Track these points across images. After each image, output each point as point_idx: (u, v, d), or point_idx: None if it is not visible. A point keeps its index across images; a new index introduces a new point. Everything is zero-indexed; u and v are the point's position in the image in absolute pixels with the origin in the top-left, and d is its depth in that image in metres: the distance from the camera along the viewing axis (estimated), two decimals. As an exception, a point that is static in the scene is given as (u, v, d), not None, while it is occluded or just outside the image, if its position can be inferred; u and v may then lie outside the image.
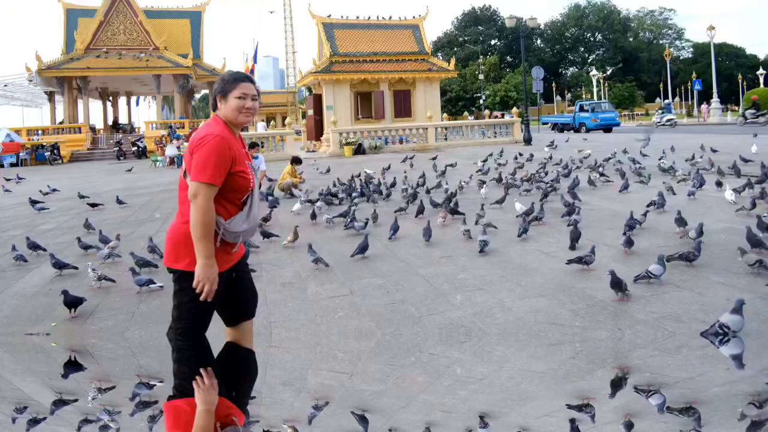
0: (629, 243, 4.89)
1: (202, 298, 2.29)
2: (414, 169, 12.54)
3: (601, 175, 9.54)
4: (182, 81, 32.28)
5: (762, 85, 50.97)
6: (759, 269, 4.10)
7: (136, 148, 25.97)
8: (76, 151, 28.15)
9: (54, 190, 12.26)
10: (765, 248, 4.55)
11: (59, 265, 5.30)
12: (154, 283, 4.63)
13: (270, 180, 11.03)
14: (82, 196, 10.64)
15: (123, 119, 42.84)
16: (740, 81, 60.86)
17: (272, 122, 32.85)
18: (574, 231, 5.28)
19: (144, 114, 49.83)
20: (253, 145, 10.16)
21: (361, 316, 3.92)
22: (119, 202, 9.71)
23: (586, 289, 4.10)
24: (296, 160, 10.13)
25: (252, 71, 31.52)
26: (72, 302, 4.19)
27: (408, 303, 4.10)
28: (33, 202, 9.72)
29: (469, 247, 5.56)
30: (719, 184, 7.62)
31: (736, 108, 61.55)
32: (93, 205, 9.57)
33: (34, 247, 6.10)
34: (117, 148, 26.10)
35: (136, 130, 39.21)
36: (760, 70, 56.24)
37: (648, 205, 6.46)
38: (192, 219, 2.28)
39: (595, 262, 4.49)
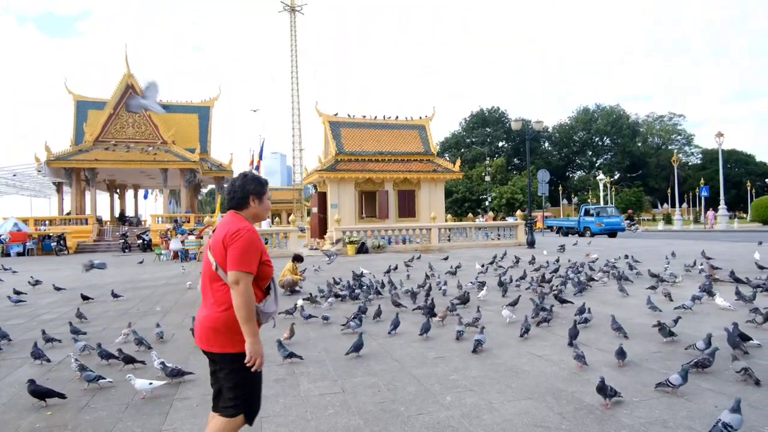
0: (621, 355, 4.74)
1: (254, 370, 2.59)
2: (415, 269, 12.68)
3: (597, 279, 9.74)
4: (189, 175, 33.14)
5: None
6: (744, 376, 4.14)
7: (141, 241, 26.35)
8: (82, 242, 28.59)
9: (37, 282, 12.39)
10: (741, 350, 4.75)
11: (36, 355, 5.46)
12: (104, 379, 4.66)
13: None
14: (57, 288, 10.95)
15: (130, 212, 43.78)
16: (749, 188, 62.10)
17: (276, 219, 33.40)
18: (573, 329, 5.51)
19: (151, 207, 51.03)
20: (298, 258, 10.51)
21: (350, 414, 3.93)
22: (114, 295, 9.83)
23: (575, 393, 4.12)
24: (297, 258, 10.34)
25: (258, 168, 32.58)
26: (37, 393, 4.19)
27: (398, 402, 4.11)
28: (16, 293, 10.06)
29: (463, 347, 5.65)
30: (710, 293, 7.70)
31: (744, 215, 62.42)
32: (85, 298, 9.63)
33: (49, 340, 6.22)
34: (122, 241, 26.48)
35: (143, 222, 40.04)
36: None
37: (676, 308, 6.81)
38: (237, 303, 2.53)
39: (588, 365, 4.57)
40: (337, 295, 8.76)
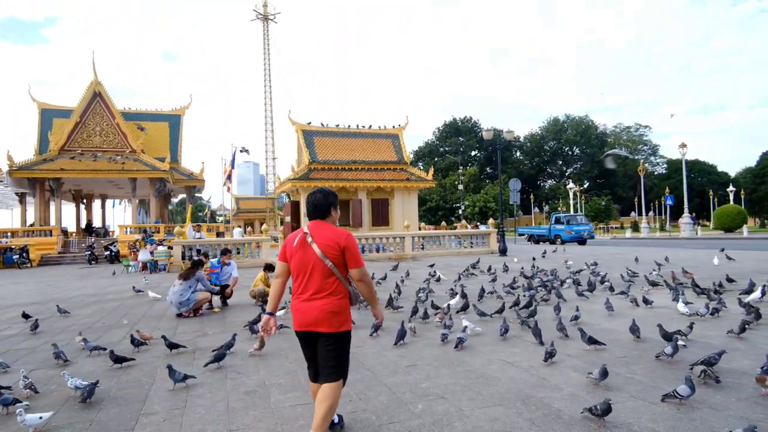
0: (604, 375, 4.29)
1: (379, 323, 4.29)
2: (388, 281, 12.65)
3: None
4: (159, 185, 32.28)
5: (732, 202, 53.79)
6: (705, 379, 4.27)
7: (108, 252, 25.61)
8: (46, 254, 27.56)
9: None
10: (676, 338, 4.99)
11: None
12: (20, 402, 4.31)
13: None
14: (26, 316, 8.97)
15: (97, 222, 42.60)
16: (711, 197, 64.11)
17: (249, 228, 32.99)
18: (535, 328, 5.95)
19: (120, 217, 49.80)
20: (225, 252, 10.26)
21: (321, 426, 3.89)
22: (60, 311, 9.23)
23: (544, 399, 4.17)
24: (269, 267, 10.21)
25: (229, 176, 32.12)
26: None
27: (369, 411, 4.10)
28: None
29: (435, 355, 5.67)
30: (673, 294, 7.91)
31: (708, 223, 64.50)
32: (26, 317, 8.69)
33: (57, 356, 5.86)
34: (89, 252, 25.66)
35: (111, 233, 38.95)
36: (730, 187, 59.71)
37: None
38: (365, 290, 3.50)
39: (557, 375, 4.62)
40: None
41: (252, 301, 9.96)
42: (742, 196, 64.16)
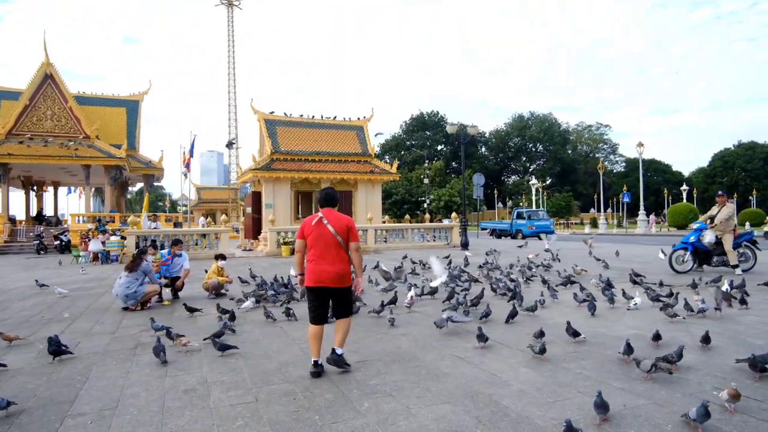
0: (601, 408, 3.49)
1: (357, 293, 5.25)
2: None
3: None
4: (114, 172, 31.09)
5: (685, 200, 55.69)
6: (657, 372, 4.29)
7: (58, 242, 24.57)
8: (-10, 243, 26.40)
9: None
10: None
11: None
12: None
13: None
14: None
15: (50, 211, 40.94)
16: (666, 195, 66.24)
17: (208, 218, 32.14)
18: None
19: (75, 206, 47.83)
20: (177, 242, 9.87)
21: (260, 425, 3.70)
22: None
23: (493, 395, 4.08)
24: (220, 257, 9.90)
25: (188, 164, 31.25)
26: None
27: (313, 410, 3.93)
28: None
29: (388, 350, 5.55)
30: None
31: (662, 221, 66.72)
32: None
33: None
34: (37, 242, 24.58)
35: (63, 222, 37.43)
36: (684, 186, 61.86)
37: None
38: (357, 258, 4.92)
39: (508, 371, 4.55)
40: (258, 300, 8.36)
41: (205, 294, 9.64)
42: (695, 195, 66.53)
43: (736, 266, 10.76)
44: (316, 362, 4.79)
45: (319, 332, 4.82)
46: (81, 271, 14.57)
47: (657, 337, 5.27)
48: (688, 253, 11.21)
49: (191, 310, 7.53)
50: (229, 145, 33.60)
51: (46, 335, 6.52)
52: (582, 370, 4.66)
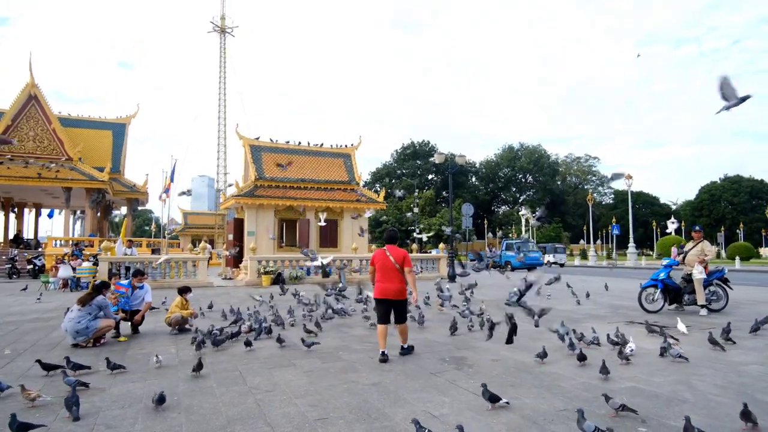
0: None
1: (414, 303, 7.14)
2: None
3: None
4: (96, 195, 30.38)
5: (673, 234, 55.63)
6: (625, 412, 4.13)
7: (32, 266, 23.63)
8: (-40, 266, 25.39)
9: None
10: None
11: None
12: None
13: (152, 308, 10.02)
14: None
15: (31, 233, 39.95)
16: (654, 227, 66.27)
17: (189, 246, 31.30)
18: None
19: (58, 229, 46.67)
20: (138, 273, 9.19)
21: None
22: None
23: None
24: (185, 290, 9.21)
25: (167, 189, 30.61)
26: None
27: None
28: None
29: (353, 405, 4.88)
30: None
31: (651, 252, 66.62)
32: None
33: None
34: (9, 266, 23.69)
35: (44, 246, 36.52)
36: (671, 219, 61.95)
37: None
38: (411, 278, 6.61)
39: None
40: (216, 342, 7.45)
41: (167, 330, 8.92)
42: (683, 227, 66.65)
43: (703, 306, 10.25)
44: (383, 352, 6.54)
45: (384, 330, 6.62)
46: (37, 300, 13.75)
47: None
48: (658, 290, 10.67)
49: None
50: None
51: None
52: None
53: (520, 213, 67.84)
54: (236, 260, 23.42)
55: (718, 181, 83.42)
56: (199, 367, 5.94)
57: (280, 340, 7.60)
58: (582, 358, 6.17)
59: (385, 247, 6.79)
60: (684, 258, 10.66)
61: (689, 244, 10.81)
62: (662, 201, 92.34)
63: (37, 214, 41.86)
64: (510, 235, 65.78)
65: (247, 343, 7.40)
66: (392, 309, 6.67)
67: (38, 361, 6.03)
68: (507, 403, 4.66)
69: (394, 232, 6.93)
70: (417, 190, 74.52)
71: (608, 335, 7.39)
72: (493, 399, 4.59)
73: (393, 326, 6.84)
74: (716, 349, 6.91)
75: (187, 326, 9.05)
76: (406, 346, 6.86)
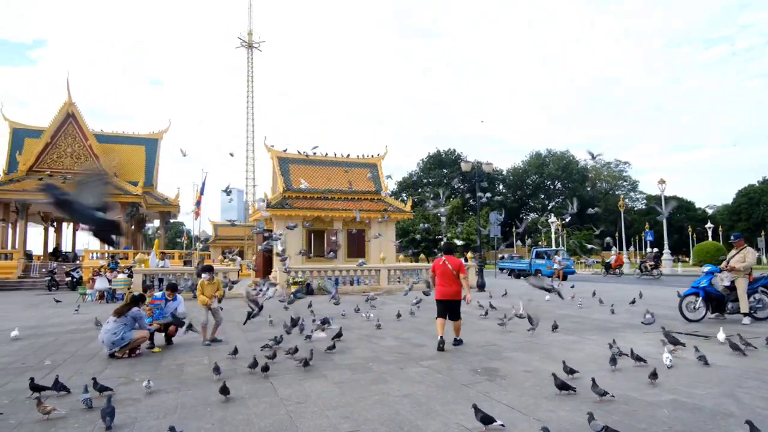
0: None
1: (467, 302, 8.17)
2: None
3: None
4: (131, 209, 31.29)
5: (711, 239, 53.97)
6: None
7: (70, 278, 24.35)
8: (4, 279, 26.34)
9: None
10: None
11: None
12: None
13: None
14: None
15: (68, 247, 41.18)
16: (690, 233, 64.38)
17: (220, 257, 31.68)
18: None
19: (95, 242, 47.96)
20: (171, 288, 9.29)
21: None
22: None
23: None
24: (207, 269, 9.16)
25: (198, 203, 31.22)
26: None
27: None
28: None
29: (384, 417, 4.84)
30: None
31: (687, 259, 64.74)
32: None
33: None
34: (49, 278, 24.46)
35: (81, 258, 37.62)
36: (708, 224, 60.12)
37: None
38: (465, 282, 8.13)
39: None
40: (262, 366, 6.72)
41: (200, 340, 9.01)
42: (720, 233, 64.59)
43: (746, 314, 9.89)
44: (441, 338, 7.82)
45: (442, 322, 7.96)
46: (75, 311, 14.12)
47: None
48: (700, 299, 10.32)
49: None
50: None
51: (16, 387, 6.00)
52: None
53: (549, 220, 66.72)
54: (265, 270, 23.66)
55: (756, 184, 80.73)
56: (224, 391, 5.47)
57: (306, 363, 6.88)
58: (654, 375, 5.64)
59: (443, 257, 8.05)
60: (727, 265, 10.33)
61: (732, 252, 10.47)
62: (697, 206, 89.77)
63: (75, 228, 43.15)
64: (539, 243, 64.81)
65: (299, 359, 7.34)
66: (449, 308, 7.99)
67: (31, 379, 5.65)
68: (502, 425, 4.38)
69: (450, 245, 8.36)
70: (444, 199, 74.05)
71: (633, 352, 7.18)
72: (486, 420, 4.36)
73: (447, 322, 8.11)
74: (749, 355, 6.64)
75: (218, 338, 9.13)
76: (458, 338, 8.15)
